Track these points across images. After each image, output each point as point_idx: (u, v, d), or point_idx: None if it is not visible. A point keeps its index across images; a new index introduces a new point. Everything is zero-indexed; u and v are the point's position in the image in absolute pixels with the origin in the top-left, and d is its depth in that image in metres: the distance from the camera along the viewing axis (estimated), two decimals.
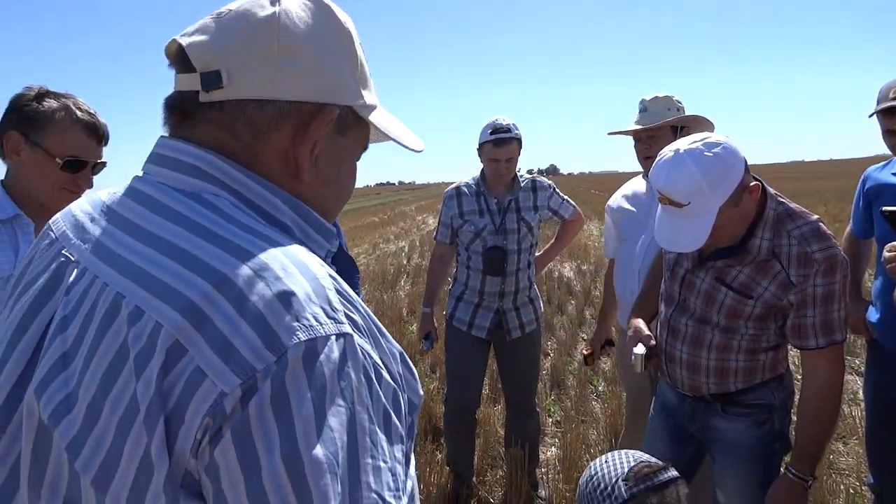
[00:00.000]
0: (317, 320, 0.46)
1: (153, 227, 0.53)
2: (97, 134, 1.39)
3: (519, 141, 2.54)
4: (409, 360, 0.58)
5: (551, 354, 4.82)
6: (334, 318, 0.48)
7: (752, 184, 1.46)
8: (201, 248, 0.49)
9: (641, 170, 2.36)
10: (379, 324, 0.55)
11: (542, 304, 2.79)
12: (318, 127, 0.60)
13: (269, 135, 0.59)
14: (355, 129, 0.66)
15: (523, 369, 2.75)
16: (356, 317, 0.51)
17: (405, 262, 10.13)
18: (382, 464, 0.47)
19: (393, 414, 0.51)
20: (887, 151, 2.02)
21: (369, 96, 0.67)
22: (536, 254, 2.80)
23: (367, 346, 0.50)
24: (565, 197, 2.80)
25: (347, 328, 0.48)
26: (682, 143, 1.44)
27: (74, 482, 0.48)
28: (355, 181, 0.70)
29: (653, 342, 1.70)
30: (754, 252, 1.50)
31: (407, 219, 21.50)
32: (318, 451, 0.43)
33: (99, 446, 0.45)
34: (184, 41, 0.58)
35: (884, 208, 1.38)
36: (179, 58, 0.59)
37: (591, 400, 3.96)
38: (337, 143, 0.64)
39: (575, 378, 4.31)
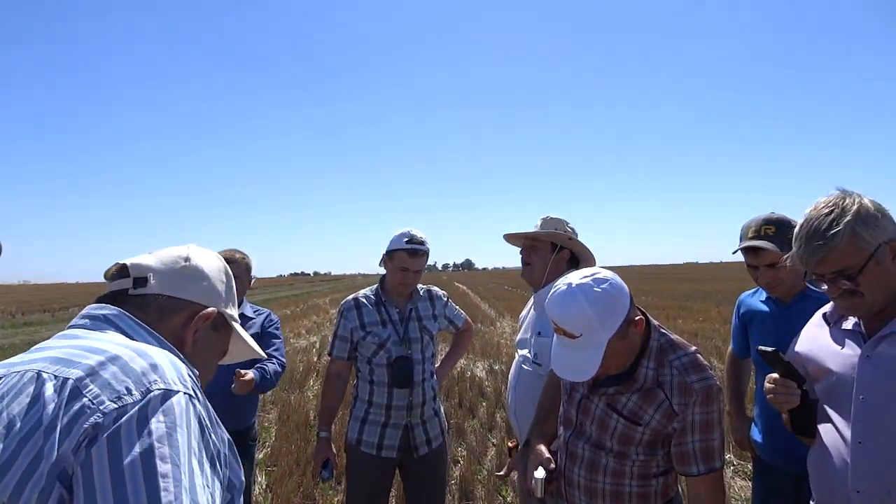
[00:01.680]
0: (174, 382, 0.74)
1: (79, 340, 0.80)
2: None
3: (428, 255, 2.59)
4: (234, 448, 0.85)
5: (460, 462, 4.70)
6: (185, 385, 0.75)
7: (636, 318, 1.55)
8: (105, 345, 0.77)
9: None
10: (214, 414, 0.81)
11: (444, 418, 2.74)
12: (202, 319, 0.95)
13: (170, 317, 0.93)
14: (223, 331, 1.03)
15: (431, 489, 2.63)
16: (199, 395, 0.78)
17: (315, 360, 9.78)
18: (201, 482, 0.69)
19: (216, 462, 0.76)
20: None
21: (235, 313, 1.07)
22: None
23: (203, 412, 0.76)
24: (457, 307, 2.86)
25: (192, 394, 0.75)
26: (574, 278, 1.53)
27: None
28: (215, 366, 1.04)
29: (552, 466, 1.70)
30: (641, 380, 1.58)
31: (320, 311, 20.97)
32: (165, 452, 0.66)
33: (4, 451, 0.65)
34: (127, 261, 0.95)
35: (760, 347, 1.49)
36: (119, 271, 0.94)
37: None
38: (209, 333, 0.99)
39: (484, 488, 4.20)
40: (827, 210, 1.35)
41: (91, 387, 0.69)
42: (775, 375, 1.49)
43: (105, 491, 0.62)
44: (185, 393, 0.73)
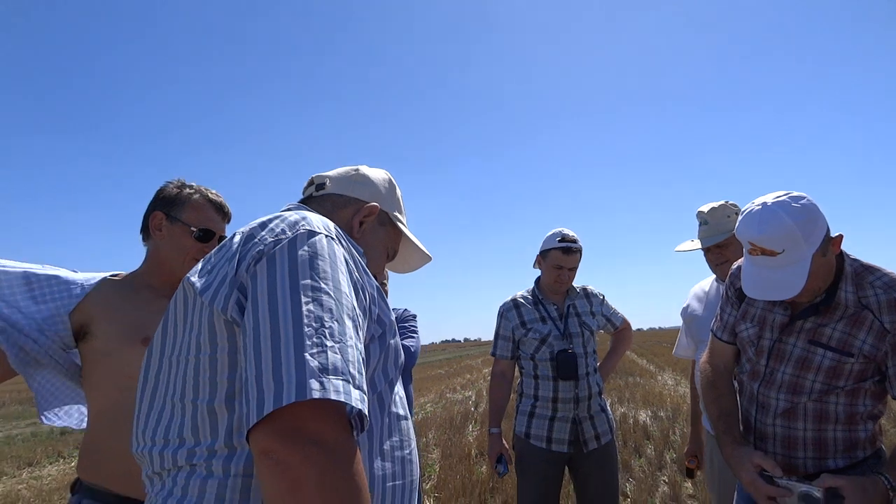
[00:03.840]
0: (318, 227, 0.90)
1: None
2: (223, 211, 1.67)
3: (581, 253, 2.66)
4: (384, 296, 0.99)
5: (630, 496, 4.49)
6: (328, 230, 0.91)
7: (835, 235, 1.49)
8: (277, 213, 0.99)
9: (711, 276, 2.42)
10: (362, 263, 0.97)
11: (612, 416, 2.71)
12: (365, 210, 1.16)
13: (342, 209, 1.17)
14: (389, 227, 1.23)
15: (604, 482, 2.58)
16: (344, 242, 0.94)
17: (472, 409, 9.91)
18: (345, 294, 0.84)
19: (360, 292, 0.89)
20: None
21: (402, 217, 1.27)
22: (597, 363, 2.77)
23: (346, 254, 0.91)
24: (614, 306, 2.85)
25: (334, 237, 0.91)
26: (768, 198, 1.48)
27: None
28: (383, 259, 1.23)
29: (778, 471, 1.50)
30: (843, 305, 1.50)
31: (473, 371, 21.21)
32: (307, 271, 0.83)
33: (209, 278, 0.89)
34: (315, 175, 1.22)
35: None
36: (310, 182, 1.22)
37: None
38: (376, 227, 1.20)
39: None
40: None
41: (261, 232, 0.89)
42: None
43: (263, 292, 0.80)
44: (326, 235, 0.90)
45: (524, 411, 2.65)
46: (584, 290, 2.80)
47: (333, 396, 0.71)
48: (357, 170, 1.23)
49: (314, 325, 0.76)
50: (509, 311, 2.73)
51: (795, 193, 1.47)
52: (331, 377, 0.73)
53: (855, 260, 1.54)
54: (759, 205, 1.47)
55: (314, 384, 0.71)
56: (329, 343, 0.76)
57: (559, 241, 2.62)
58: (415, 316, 2.84)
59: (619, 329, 2.90)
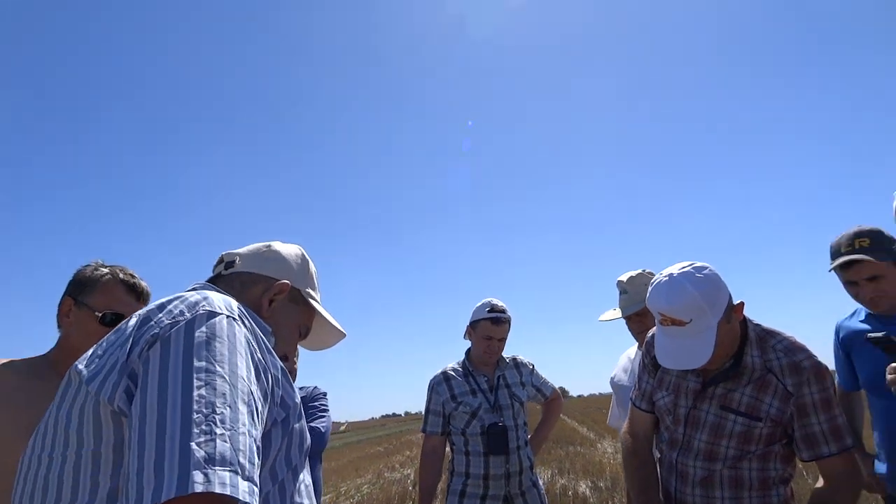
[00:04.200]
0: (219, 308, 0.87)
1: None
2: (136, 291, 1.58)
3: (510, 323, 2.67)
4: (290, 378, 0.96)
5: None
6: (230, 311, 0.89)
7: (737, 302, 1.56)
8: (179, 293, 0.95)
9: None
10: (266, 344, 0.93)
11: (544, 493, 2.66)
12: (275, 289, 1.12)
13: (250, 288, 1.13)
14: (301, 305, 1.20)
15: None
16: (247, 322, 0.91)
17: (410, 489, 9.51)
18: (243, 379, 0.80)
19: (261, 375, 0.86)
20: None
21: (315, 294, 1.24)
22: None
23: (249, 334, 0.88)
24: (544, 376, 2.85)
25: (236, 318, 0.88)
26: (674, 269, 1.55)
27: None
28: (294, 337, 1.20)
29: None
30: (750, 369, 1.55)
31: (413, 447, 20.52)
32: (203, 353, 0.79)
33: (98, 365, 0.84)
34: (225, 253, 1.19)
35: (869, 335, 1.45)
36: (219, 260, 1.18)
37: None
38: (287, 305, 1.16)
39: None
40: None
41: (159, 314, 0.85)
42: (895, 364, 1.42)
43: (153, 378, 0.75)
44: (228, 315, 0.87)
45: (455, 490, 2.57)
46: (514, 360, 2.79)
47: (218, 490, 0.66)
48: (269, 246, 1.20)
49: (204, 411, 0.72)
50: (440, 384, 2.67)
51: (699, 264, 1.54)
52: (217, 468, 0.68)
53: (757, 325, 1.62)
54: (665, 276, 1.54)
55: (198, 476, 0.66)
56: (219, 431, 0.71)
57: (488, 311, 2.62)
58: (325, 394, 2.72)
59: (550, 399, 2.88)
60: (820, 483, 1.57)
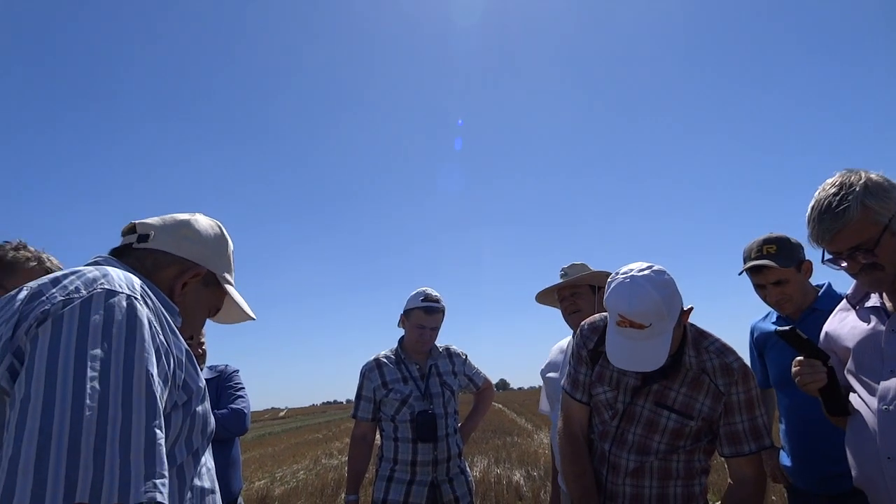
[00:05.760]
0: (119, 287, 0.83)
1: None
2: None
3: (444, 312, 2.69)
4: (194, 359, 0.94)
5: None
6: (132, 290, 0.84)
7: (687, 307, 1.58)
8: (77, 268, 0.89)
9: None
10: (170, 324, 0.91)
11: (472, 480, 2.70)
12: (191, 274, 1.08)
13: (163, 269, 1.06)
14: (214, 287, 1.15)
15: None
16: (150, 302, 0.87)
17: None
18: (141, 366, 0.76)
19: (164, 358, 0.82)
20: None
21: (230, 277, 1.19)
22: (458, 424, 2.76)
23: (151, 315, 0.84)
24: (476, 366, 2.88)
25: (138, 297, 0.84)
26: (633, 269, 1.53)
27: None
28: (203, 319, 1.16)
29: None
30: (686, 369, 1.59)
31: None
32: (98, 338, 0.75)
33: None
34: (137, 221, 1.09)
35: (777, 328, 1.51)
36: (130, 229, 1.08)
37: None
38: (200, 288, 1.11)
39: None
40: (834, 189, 1.35)
41: (52, 289, 0.80)
42: (800, 358, 1.49)
43: (41, 360, 0.71)
44: (129, 295, 0.82)
45: (383, 476, 2.58)
46: (448, 349, 2.81)
47: (117, 500, 0.65)
48: (188, 224, 1.12)
49: (96, 405, 0.69)
50: (371, 371, 2.67)
51: (657, 267, 1.54)
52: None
53: (693, 326, 1.67)
54: (626, 277, 1.52)
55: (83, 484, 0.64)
56: (110, 430, 0.69)
57: (422, 300, 2.63)
58: (237, 371, 2.70)
59: (481, 389, 2.92)
60: (732, 481, 1.63)
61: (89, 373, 0.70)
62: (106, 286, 0.81)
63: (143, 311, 0.83)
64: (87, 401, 0.68)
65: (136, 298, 0.83)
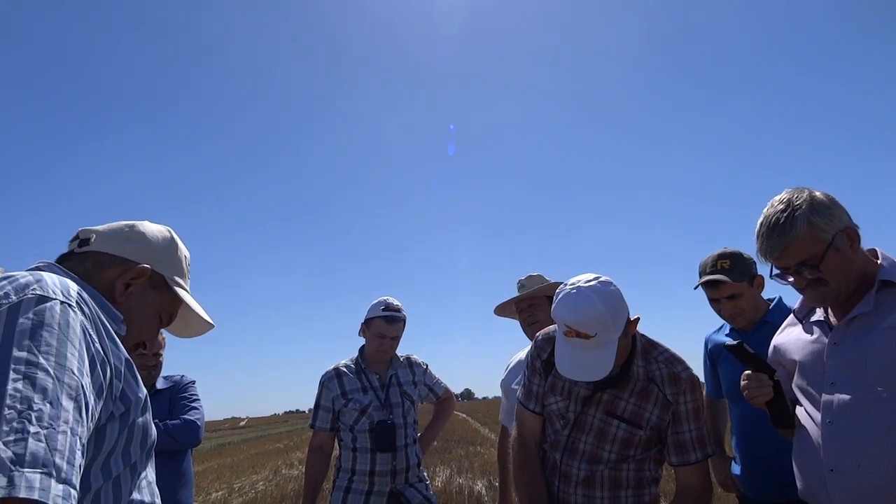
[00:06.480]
0: (53, 293, 0.80)
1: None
2: None
3: (405, 322, 2.67)
4: (135, 369, 0.91)
5: None
6: (66, 296, 0.82)
7: (633, 318, 1.61)
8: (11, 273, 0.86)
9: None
10: (109, 331, 0.88)
11: (432, 491, 2.68)
12: (133, 272, 1.03)
13: (104, 270, 1.02)
14: (164, 291, 1.11)
15: None
16: (86, 309, 0.84)
17: None
18: (72, 373, 0.73)
19: (99, 367, 0.80)
20: None
21: (182, 282, 1.15)
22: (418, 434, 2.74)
23: (86, 322, 0.82)
24: (437, 376, 2.88)
25: (73, 304, 0.81)
26: (580, 281, 1.56)
27: None
28: (154, 325, 1.11)
29: None
30: (635, 379, 1.62)
31: None
32: (25, 343, 0.72)
33: None
34: (81, 229, 1.07)
35: (726, 343, 1.54)
36: (74, 236, 1.06)
37: None
38: (147, 290, 1.07)
39: None
40: (781, 206, 1.39)
41: None
42: (748, 372, 1.51)
43: None
44: (63, 301, 0.80)
45: (340, 486, 2.54)
46: (408, 359, 2.80)
47: (23, 494, 0.61)
48: (132, 226, 1.10)
49: (18, 406, 0.66)
50: (331, 380, 2.63)
51: (604, 278, 1.57)
52: (25, 470, 0.62)
53: (643, 336, 1.69)
54: (573, 288, 1.54)
55: (0, 480, 0.60)
56: (32, 429, 0.65)
57: (383, 309, 2.61)
58: (193, 382, 2.63)
59: (441, 399, 2.91)
60: (679, 489, 1.66)
61: (11, 375, 0.68)
62: (38, 292, 0.79)
63: (77, 318, 0.80)
64: (8, 401, 0.65)
65: (69, 305, 0.81)
